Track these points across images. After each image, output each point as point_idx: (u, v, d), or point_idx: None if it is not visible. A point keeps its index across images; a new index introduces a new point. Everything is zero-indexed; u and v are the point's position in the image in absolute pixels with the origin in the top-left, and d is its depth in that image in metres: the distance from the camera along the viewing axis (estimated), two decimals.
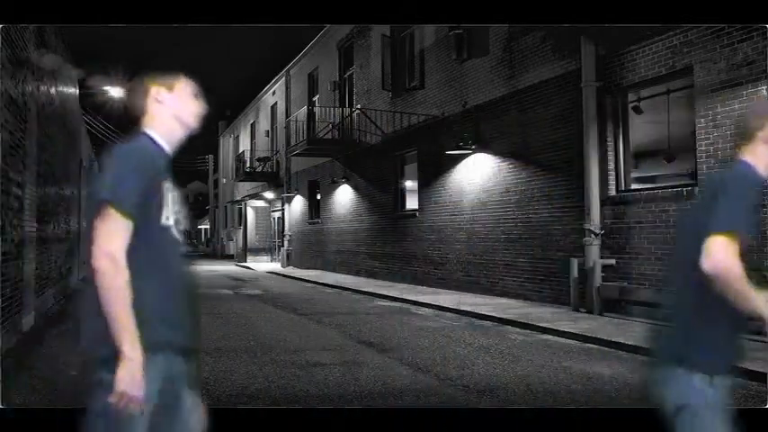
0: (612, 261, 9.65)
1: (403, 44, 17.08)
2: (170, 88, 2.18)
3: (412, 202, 16.47)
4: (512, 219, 12.17)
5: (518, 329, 8.96)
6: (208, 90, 2.39)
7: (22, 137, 7.94)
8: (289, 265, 25.46)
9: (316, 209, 23.69)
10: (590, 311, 9.68)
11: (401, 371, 6.40)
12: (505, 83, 12.38)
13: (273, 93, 28.90)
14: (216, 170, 48.11)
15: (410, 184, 16.78)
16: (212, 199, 49.85)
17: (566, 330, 8.35)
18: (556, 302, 10.73)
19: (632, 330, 8.10)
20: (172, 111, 2.16)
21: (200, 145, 47.80)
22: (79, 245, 15.62)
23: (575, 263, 10.08)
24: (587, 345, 7.71)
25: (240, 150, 34.16)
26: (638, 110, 9.65)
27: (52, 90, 11.21)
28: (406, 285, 15.46)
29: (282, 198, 26.64)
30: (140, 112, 2.16)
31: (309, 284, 17.89)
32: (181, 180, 40.23)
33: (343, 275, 19.47)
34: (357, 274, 19.14)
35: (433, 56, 15.22)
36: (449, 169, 14.26)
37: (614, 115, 9.95)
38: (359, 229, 19.42)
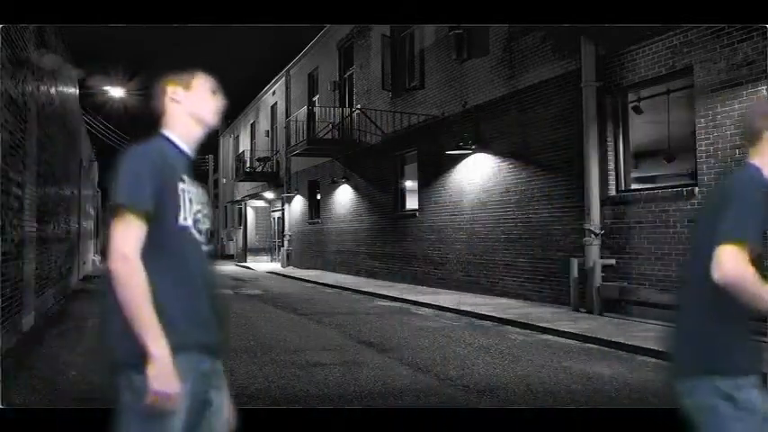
0: (612, 261, 9.65)
1: (403, 44, 17.08)
2: (186, 86, 2.15)
3: (412, 202, 16.47)
4: (512, 219, 12.17)
5: (518, 329, 8.96)
6: None
7: (22, 137, 7.94)
8: (289, 265, 25.46)
9: (316, 209, 23.69)
10: (590, 311, 9.68)
11: (401, 371, 6.40)
12: (505, 83, 12.38)
13: (273, 93, 28.90)
14: (216, 170, 48.13)
15: (410, 184, 16.78)
16: (212, 199, 49.93)
17: (566, 330, 8.35)
18: (556, 302, 10.73)
19: (632, 330, 8.10)
20: (189, 110, 2.13)
21: (200, 145, 47.68)
22: (79, 245, 15.62)
23: (575, 263, 10.08)
24: (587, 345, 7.71)
25: (240, 150, 34.16)
26: (638, 110, 9.65)
27: (52, 90, 11.22)
28: (406, 285, 15.46)
29: (282, 198, 26.64)
30: (159, 112, 2.14)
31: (309, 284, 17.90)
32: None
33: (343, 275, 19.47)
34: (357, 274, 19.14)
35: (433, 56, 15.22)
36: (449, 169, 14.26)
37: (614, 115, 9.95)
38: (359, 229, 19.42)
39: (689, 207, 8.43)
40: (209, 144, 47.00)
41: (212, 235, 2.23)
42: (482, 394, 5.49)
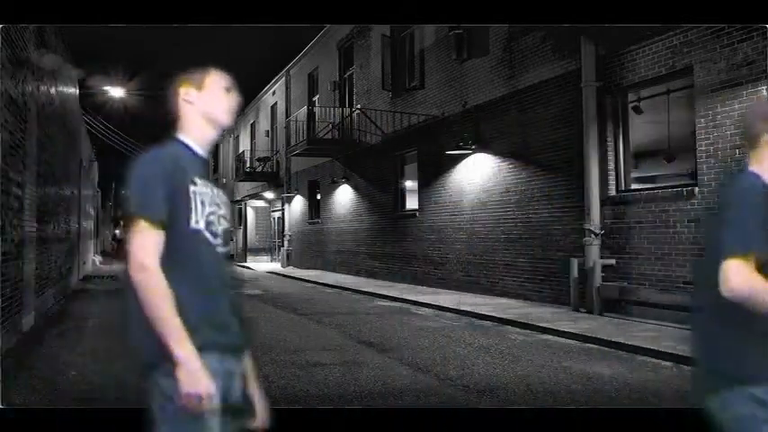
0: (612, 261, 9.65)
1: (403, 44, 17.08)
2: (199, 87, 2.11)
3: (412, 202, 16.47)
4: (512, 219, 12.17)
5: (518, 329, 8.96)
6: None
7: (22, 137, 7.94)
8: (289, 265, 25.46)
9: (316, 209, 23.69)
10: (590, 311, 9.68)
11: (401, 371, 6.40)
12: (505, 83, 12.38)
13: (273, 93, 28.90)
14: (216, 170, 48.11)
15: (410, 184, 16.78)
16: None
17: (566, 330, 8.35)
18: (556, 302, 10.73)
19: (632, 330, 8.10)
20: (202, 110, 2.10)
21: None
22: (79, 245, 15.62)
23: (575, 263, 10.08)
24: (587, 345, 7.71)
25: (240, 150, 34.13)
26: (638, 110, 9.65)
27: (52, 90, 11.22)
28: (406, 285, 15.46)
29: (282, 198, 26.64)
30: (173, 115, 2.12)
31: (309, 284, 17.90)
32: None
33: (343, 275, 19.47)
34: (357, 274, 19.14)
35: (433, 56, 15.22)
36: (449, 169, 14.26)
37: (614, 115, 9.95)
38: (359, 229, 19.43)
39: (689, 207, 8.43)
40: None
41: (231, 236, 2.22)
42: (482, 394, 5.49)
